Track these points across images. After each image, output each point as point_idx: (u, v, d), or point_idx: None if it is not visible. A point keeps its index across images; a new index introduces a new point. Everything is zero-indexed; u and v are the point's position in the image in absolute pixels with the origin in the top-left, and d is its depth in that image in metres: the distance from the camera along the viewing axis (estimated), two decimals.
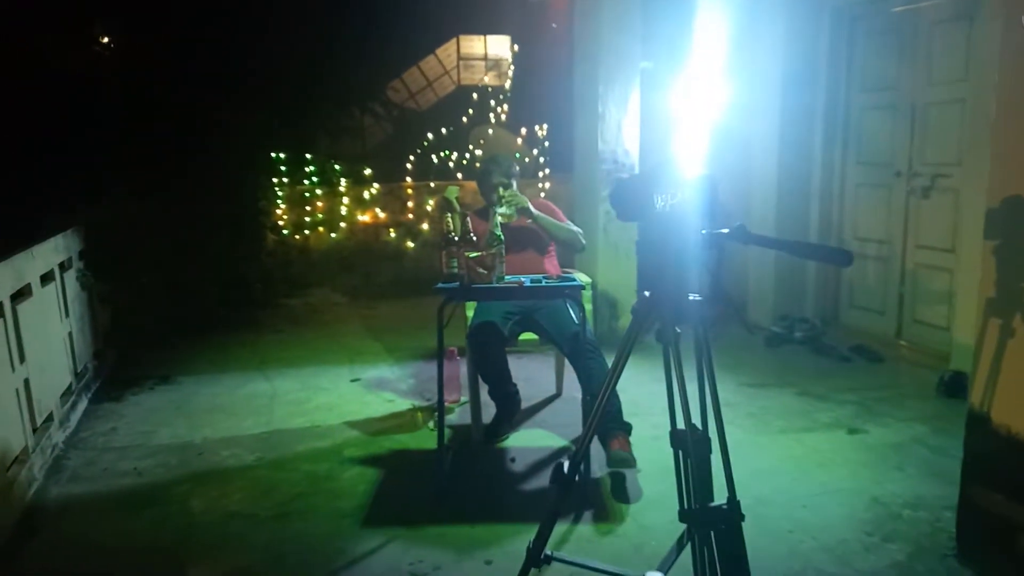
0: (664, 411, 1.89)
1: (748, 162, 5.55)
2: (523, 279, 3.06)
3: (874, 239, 5.07)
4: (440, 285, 3.00)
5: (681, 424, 1.72)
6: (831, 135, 5.29)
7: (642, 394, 3.82)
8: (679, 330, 1.69)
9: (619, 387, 3.30)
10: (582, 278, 3.61)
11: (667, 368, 1.73)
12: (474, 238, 3.13)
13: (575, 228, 3.62)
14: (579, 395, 3.30)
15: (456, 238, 3.11)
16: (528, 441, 3.52)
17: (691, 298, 1.64)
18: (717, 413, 1.74)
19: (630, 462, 3.02)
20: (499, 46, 11.61)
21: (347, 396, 4.19)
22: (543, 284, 3.01)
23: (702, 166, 1.68)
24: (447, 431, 3.60)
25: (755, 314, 5.53)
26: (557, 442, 3.49)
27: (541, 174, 7.25)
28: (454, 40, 12.04)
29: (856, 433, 3.54)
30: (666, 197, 1.57)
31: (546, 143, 7.48)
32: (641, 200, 1.61)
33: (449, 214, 3.29)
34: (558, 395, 4.10)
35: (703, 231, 1.56)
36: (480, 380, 3.49)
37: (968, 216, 4.22)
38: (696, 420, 1.72)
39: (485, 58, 12.25)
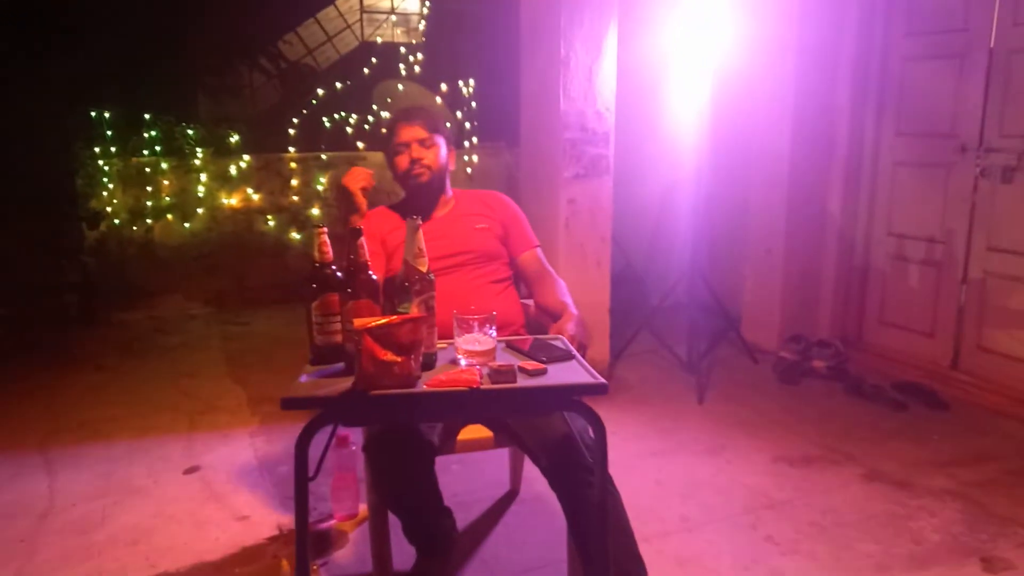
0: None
1: (751, 129, 4.18)
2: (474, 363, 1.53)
3: (921, 237, 3.79)
4: (304, 379, 1.45)
5: None
6: (862, 94, 3.96)
7: (639, 487, 2.45)
8: None
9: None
10: None
11: None
12: (374, 277, 1.60)
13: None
14: (547, 491, 1.81)
15: (340, 275, 1.57)
16: None
17: None
18: None
19: None
20: None
21: (172, 507, 2.57)
22: (516, 386, 1.47)
23: None
24: None
25: (754, 332, 4.19)
26: None
27: (468, 144, 5.66)
28: None
29: (995, 570, 2.23)
30: None
31: (473, 104, 5.88)
32: None
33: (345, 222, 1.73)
34: (514, 494, 2.62)
35: None
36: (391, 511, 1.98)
37: None
38: None
39: (392, 11, 10.74)
